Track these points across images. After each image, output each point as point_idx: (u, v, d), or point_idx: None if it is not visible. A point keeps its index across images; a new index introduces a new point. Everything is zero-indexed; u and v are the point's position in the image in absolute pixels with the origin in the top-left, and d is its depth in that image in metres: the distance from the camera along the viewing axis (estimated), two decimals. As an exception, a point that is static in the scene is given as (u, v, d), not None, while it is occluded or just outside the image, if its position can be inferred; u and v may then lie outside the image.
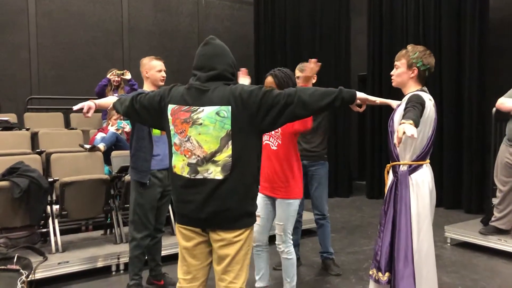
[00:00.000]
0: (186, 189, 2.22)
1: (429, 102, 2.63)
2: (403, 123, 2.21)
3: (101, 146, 5.03)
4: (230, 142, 2.14)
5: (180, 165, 2.23)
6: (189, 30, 8.24)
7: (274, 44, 7.78)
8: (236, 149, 2.14)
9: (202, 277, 2.34)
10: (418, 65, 2.66)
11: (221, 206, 2.16)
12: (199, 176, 2.17)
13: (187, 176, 2.20)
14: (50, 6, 7.09)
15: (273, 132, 3.17)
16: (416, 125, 2.31)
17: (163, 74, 3.59)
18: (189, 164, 2.19)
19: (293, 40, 7.78)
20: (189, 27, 8.29)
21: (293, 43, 7.77)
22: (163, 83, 3.58)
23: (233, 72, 2.27)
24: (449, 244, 4.97)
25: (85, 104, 2.94)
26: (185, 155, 2.20)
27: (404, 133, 2.15)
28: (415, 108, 2.44)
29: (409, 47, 2.75)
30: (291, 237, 3.31)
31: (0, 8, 6.83)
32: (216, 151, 2.14)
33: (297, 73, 4.09)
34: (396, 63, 2.75)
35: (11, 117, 5.93)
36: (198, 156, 2.17)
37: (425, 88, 2.73)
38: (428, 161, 2.72)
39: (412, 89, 2.70)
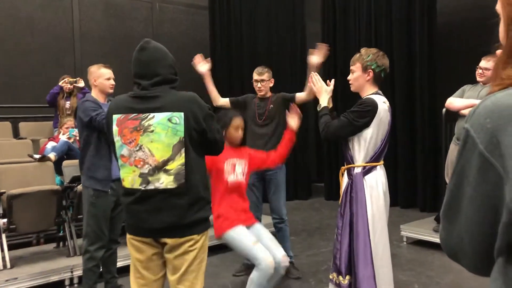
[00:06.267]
0: (138, 201, 2.15)
1: (383, 105, 2.67)
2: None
3: (52, 155, 4.84)
4: (183, 150, 2.09)
5: (129, 178, 2.15)
6: (143, 35, 8.04)
7: (230, 49, 7.78)
8: (189, 156, 2.09)
9: None
10: (372, 67, 2.69)
11: (175, 215, 2.12)
12: (150, 187, 2.10)
13: (139, 187, 2.12)
14: (-5, 11, 6.81)
15: (239, 170, 3.11)
16: (323, 118, 2.75)
17: (112, 82, 3.49)
18: (141, 175, 2.11)
19: (249, 44, 7.80)
20: (144, 32, 8.13)
21: (249, 47, 7.79)
22: (111, 91, 3.49)
23: (175, 72, 2.23)
24: (405, 243, 5.08)
25: None
26: (136, 166, 2.12)
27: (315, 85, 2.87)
28: (346, 118, 2.67)
29: (363, 50, 2.78)
30: None
31: None
32: (169, 159, 2.08)
33: (255, 76, 4.10)
34: (351, 67, 2.78)
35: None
36: (150, 165, 2.10)
37: (379, 91, 2.77)
38: (382, 162, 2.76)
39: (368, 92, 2.72)
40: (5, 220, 3.96)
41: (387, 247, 2.70)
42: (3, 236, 3.97)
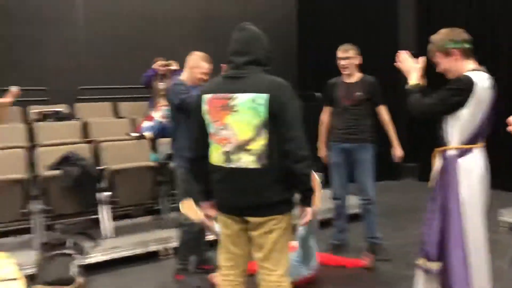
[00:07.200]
0: (222, 179, 2.23)
1: (483, 82, 2.47)
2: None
3: (148, 134, 5.12)
4: (265, 131, 2.11)
5: (216, 155, 2.23)
6: (231, 15, 8.16)
7: (318, 24, 7.65)
8: (271, 138, 2.11)
9: (243, 265, 2.35)
10: (452, 46, 2.51)
11: (257, 195, 2.16)
12: (232, 165, 2.17)
13: (222, 165, 2.20)
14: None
15: None
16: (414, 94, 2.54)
17: (206, 77, 3.54)
18: (224, 153, 2.19)
19: (337, 21, 7.60)
20: (232, 11, 8.21)
21: (337, 24, 7.59)
22: (200, 84, 3.52)
23: (269, 57, 2.26)
24: (505, 228, 4.75)
25: None
26: (220, 144, 2.20)
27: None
28: (438, 96, 2.48)
29: (431, 38, 2.61)
30: None
31: (49, 3, 7.04)
32: (250, 139, 2.12)
33: (339, 53, 4.02)
34: (434, 60, 2.61)
35: (63, 108, 6.14)
36: (233, 144, 2.16)
37: (480, 67, 2.56)
38: (480, 144, 2.58)
39: (465, 69, 2.53)
40: (108, 193, 4.30)
41: (482, 234, 2.52)
42: (107, 208, 4.31)
